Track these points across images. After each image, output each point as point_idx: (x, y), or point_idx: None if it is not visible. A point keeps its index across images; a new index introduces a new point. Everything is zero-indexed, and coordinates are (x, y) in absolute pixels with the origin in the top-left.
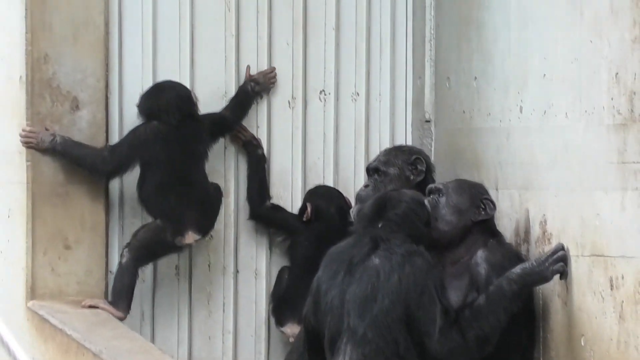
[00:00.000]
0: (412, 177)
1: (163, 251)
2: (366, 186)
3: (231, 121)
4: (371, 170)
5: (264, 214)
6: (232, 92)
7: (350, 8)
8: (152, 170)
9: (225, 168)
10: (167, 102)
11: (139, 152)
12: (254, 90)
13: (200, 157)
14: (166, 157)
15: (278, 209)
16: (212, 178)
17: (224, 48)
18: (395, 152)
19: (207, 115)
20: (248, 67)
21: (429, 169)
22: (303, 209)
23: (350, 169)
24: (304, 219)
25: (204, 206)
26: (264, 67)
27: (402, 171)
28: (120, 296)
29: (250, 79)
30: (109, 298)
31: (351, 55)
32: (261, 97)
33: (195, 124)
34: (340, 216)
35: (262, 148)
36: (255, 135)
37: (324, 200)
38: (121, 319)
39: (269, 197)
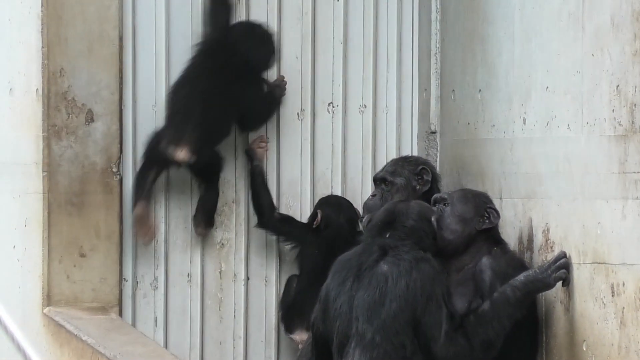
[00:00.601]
0: (418, 187)
1: None
2: (373, 195)
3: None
4: (378, 180)
5: (272, 225)
6: None
7: (358, 22)
8: None
9: (236, 177)
10: None
11: None
12: None
13: None
14: None
15: (286, 219)
16: (223, 188)
17: None
18: (402, 163)
19: None
20: None
21: (435, 179)
22: (314, 216)
23: (358, 179)
24: (314, 225)
25: None
26: (274, 79)
27: (409, 181)
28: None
29: None
30: None
31: (358, 68)
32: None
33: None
34: (349, 226)
35: (258, 160)
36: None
37: (334, 209)
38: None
39: (274, 207)
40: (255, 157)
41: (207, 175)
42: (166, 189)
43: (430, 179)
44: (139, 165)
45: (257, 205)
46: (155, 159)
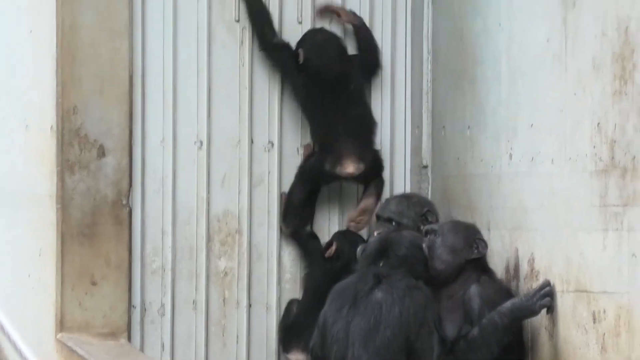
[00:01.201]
0: (422, 228)
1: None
2: (379, 233)
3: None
4: (382, 219)
5: (303, 236)
6: (246, 140)
7: None
8: None
9: (239, 209)
10: None
11: None
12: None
13: None
14: None
15: (314, 237)
16: (226, 219)
17: (238, 100)
18: (407, 203)
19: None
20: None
21: (437, 220)
22: (328, 245)
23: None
24: (327, 255)
25: None
26: (275, 115)
27: (415, 222)
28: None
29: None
30: None
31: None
32: None
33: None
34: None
35: None
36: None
37: (348, 243)
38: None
39: (311, 222)
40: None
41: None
42: (173, 222)
43: (434, 221)
44: (147, 197)
45: (286, 210)
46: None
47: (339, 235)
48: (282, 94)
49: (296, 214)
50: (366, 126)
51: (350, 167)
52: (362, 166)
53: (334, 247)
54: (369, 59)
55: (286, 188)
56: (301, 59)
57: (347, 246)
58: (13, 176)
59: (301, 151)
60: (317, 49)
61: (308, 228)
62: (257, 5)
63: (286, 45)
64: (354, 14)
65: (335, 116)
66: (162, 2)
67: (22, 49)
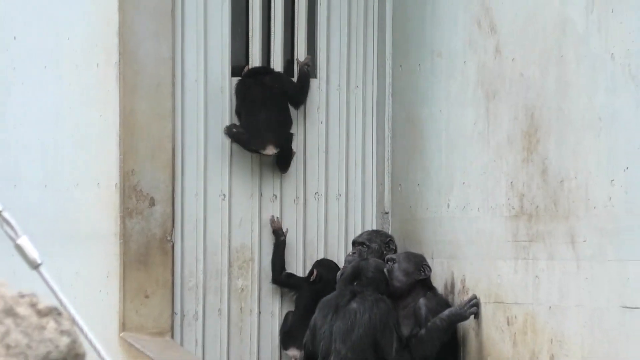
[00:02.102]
0: (385, 252)
1: None
2: (353, 253)
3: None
4: (357, 243)
5: (282, 281)
6: (257, 193)
7: (335, 138)
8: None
9: (252, 243)
10: None
11: None
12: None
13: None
14: None
15: (290, 275)
16: (243, 250)
17: (250, 164)
18: (375, 235)
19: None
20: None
21: (396, 249)
22: (311, 272)
23: (335, 244)
24: (310, 280)
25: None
26: (278, 175)
27: (380, 247)
28: None
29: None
30: None
31: (335, 169)
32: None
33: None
34: (334, 280)
35: (284, 235)
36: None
37: (325, 269)
38: None
39: (284, 268)
40: (280, 235)
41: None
42: (204, 253)
43: (394, 248)
44: (185, 235)
45: (273, 267)
46: None
47: (317, 263)
48: None
49: (275, 270)
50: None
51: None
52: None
53: (315, 273)
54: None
55: (287, 230)
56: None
57: (325, 271)
58: (87, 221)
59: (297, 202)
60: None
61: (284, 273)
62: None
63: None
64: (308, 64)
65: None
66: (195, 94)
67: (93, 128)
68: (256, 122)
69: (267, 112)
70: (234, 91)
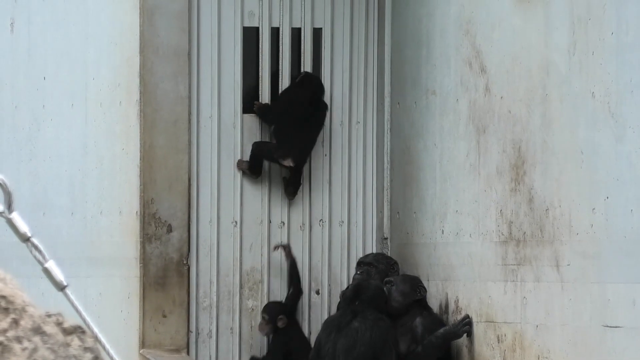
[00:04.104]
0: (389, 274)
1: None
2: (360, 273)
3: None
4: (364, 264)
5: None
6: (266, 220)
7: (338, 169)
8: None
9: (261, 266)
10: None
11: None
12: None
13: None
14: None
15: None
16: (253, 273)
17: (260, 194)
18: (381, 257)
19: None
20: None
21: (399, 271)
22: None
23: (338, 267)
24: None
25: None
26: (286, 203)
27: (386, 268)
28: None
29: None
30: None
31: (338, 197)
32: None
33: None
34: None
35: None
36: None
37: (269, 312)
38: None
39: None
40: (289, 257)
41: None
42: (217, 275)
43: (397, 271)
44: (200, 259)
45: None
46: None
47: (263, 311)
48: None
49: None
50: None
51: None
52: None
53: (265, 321)
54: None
55: (294, 254)
56: None
57: (272, 316)
58: (110, 245)
59: (303, 228)
60: None
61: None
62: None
63: None
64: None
65: None
66: (209, 129)
67: (116, 161)
68: (289, 134)
69: (302, 128)
70: (280, 93)
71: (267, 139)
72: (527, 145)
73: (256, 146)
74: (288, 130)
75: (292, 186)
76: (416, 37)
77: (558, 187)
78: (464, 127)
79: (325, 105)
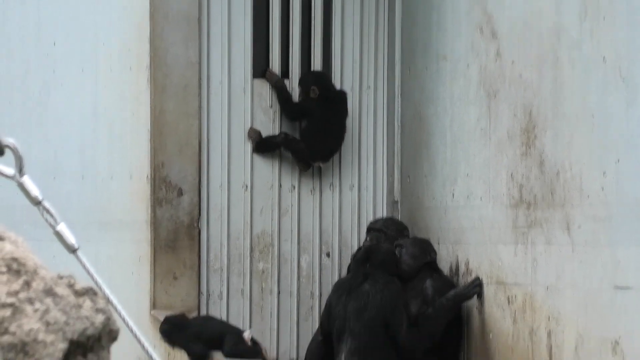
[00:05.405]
0: (399, 239)
1: None
2: (370, 239)
3: None
4: (373, 230)
5: None
6: (276, 184)
7: (348, 133)
8: None
9: (272, 229)
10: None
11: None
12: None
13: None
14: None
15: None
16: (262, 235)
17: (270, 157)
18: (391, 222)
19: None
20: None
21: (409, 235)
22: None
23: (349, 231)
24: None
25: None
26: (296, 167)
27: (396, 233)
28: None
29: None
30: None
31: (349, 162)
32: None
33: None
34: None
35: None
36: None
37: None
38: None
39: None
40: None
41: None
42: (227, 238)
43: (407, 236)
44: (211, 222)
45: None
46: None
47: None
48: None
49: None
50: None
51: None
52: None
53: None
54: None
55: (304, 217)
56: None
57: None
58: (121, 209)
59: (313, 193)
60: None
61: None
62: (283, 94)
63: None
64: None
65: None
66: (220, 94)
67: (126, 126)
68: (323, 137)
69: (334, 131)
70: (314, 96)
71: (277, 107)
72: (538, 109)
73: (284, 139)
74: (318, 132)
75: (305, 162)
76: (427, 2)
77: (569, 151)
78: (475, 92)
79: (344, 94)
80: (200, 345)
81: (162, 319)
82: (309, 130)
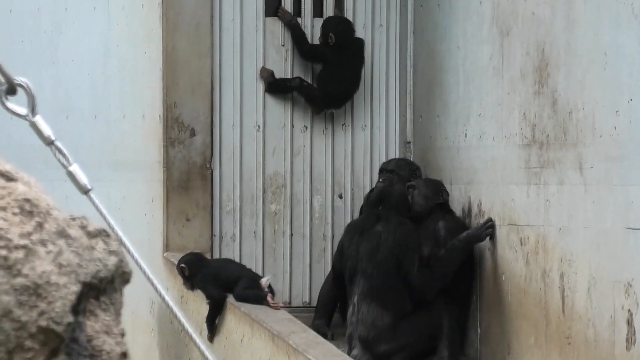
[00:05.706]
0: (411, 180)
1: None
2: (383, 180)
3: None
4: (386, 171)
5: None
6: (289, 124)
7: (361, 72)
8: None
9: (284, 170)
10: None
11: None
12: None
13: None
14: None
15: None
16: (276, 177)
17: (283, 97)
18: (403, 163)
19: None
20: None
21: (422, 176)
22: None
23: (361, 172)
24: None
25: None
26: (308, 107)
27: (409, 175)
28: None
29: None
30: None
31: (361, 101)
32: None
33: None
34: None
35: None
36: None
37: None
38: None
39: None
40: None
41: None
42: (240, 179)
43: (420, 176)
44: (223, 163)
45: None
46: None
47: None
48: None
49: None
50: None
51: None
52: None
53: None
54: None
55: (316, 158)
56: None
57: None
58: (133, 149)
59: (326, 132)
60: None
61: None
62: (296, 32)
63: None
64: None
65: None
66: (232, 33)
67: (138, 64)
68: (337, 84)
69: (347, 79)
70: (330, 42)
71: (289, 46)
72: (550, 47)
73: (299, 84)
74: (332, 79)
75: (317, 106)
76: None
77: (581, 90)
78: (488, 29)
79: (362, 42)
80: (217, 289)
81: (175, 261)
82: (324, 76)
